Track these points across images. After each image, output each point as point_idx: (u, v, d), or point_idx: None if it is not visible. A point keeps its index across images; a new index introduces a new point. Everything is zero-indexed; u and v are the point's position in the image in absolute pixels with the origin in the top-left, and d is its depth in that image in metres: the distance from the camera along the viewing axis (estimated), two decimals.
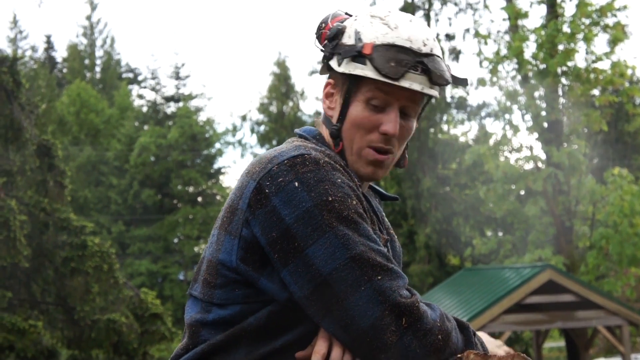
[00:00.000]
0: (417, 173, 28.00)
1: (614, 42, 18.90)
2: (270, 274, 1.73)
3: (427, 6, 29.18)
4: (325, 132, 1.91)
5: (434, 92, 1.85)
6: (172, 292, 35.96)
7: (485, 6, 26.02)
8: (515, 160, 21.15)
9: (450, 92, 29.90)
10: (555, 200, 19.12)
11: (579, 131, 19.73)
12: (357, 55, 1.81)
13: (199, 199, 39.84)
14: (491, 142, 20.82)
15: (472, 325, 1.86)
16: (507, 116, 20.15)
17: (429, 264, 28.28)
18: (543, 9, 20.48)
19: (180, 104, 42.43)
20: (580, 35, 18.75)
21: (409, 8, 28.91)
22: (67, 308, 14.73)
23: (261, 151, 37.30)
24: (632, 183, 18.74)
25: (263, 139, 38.99)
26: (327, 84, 1.91)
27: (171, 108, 43.07)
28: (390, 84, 1.80)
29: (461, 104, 29.44)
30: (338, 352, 1.70)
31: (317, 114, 35.36)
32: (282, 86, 40.46)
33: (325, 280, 1.66)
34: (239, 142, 41.33)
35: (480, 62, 20.96)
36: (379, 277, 1.67)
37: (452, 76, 1.93)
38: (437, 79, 1.83)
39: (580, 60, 19.63)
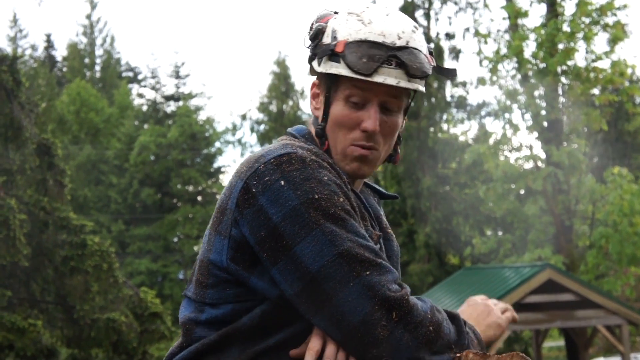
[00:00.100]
0: (417, 172, 28.01)
1: (614, 41, 18.89)
2: (260, 272, 1.74)
3: (427, 5, 29.19)
4: (314, 132, 1.92)
5: (413, 85, 1.82)
6: (171, 291, 35.97)
7: (485, 5, 25.95)
8: (515, 159, 21.14)
9: (450, 91, 29.94)
10: (555, 200, 19.12)
11: (578, 130, 19.73)
12: (332, 53, 1.81)
13: (199, 198, 39.86)
14: (491, 141, 20.80)
15: None
16: (507, 115, 20.13)
17: (428, 263, 28.29)
18: (543, 8, 20.48)
19: (180, 103, 42.44)
20: (580, 35, 18.74)
21: (409, 7, 28.92)
22: (66, 307, 14.73)
23: None
24: (632, 182, 18.73)
25: (263, 138, 39.01)
26: (312, 85, 1.92)
27: (171, 107, 43.09)
28: (365, 80, 1.79)
29: (461, 103, 29.44)
30: (332, 349, 1.70)
31: None
32: (282, 85, 40.48)
33: (314, 277, 1.67)
34: (239, 141, 41.36)
35: (480, 61, 20.94)
36: (368, 273, 1.67)
37: (439, 67, 1.92)
38: (414, 72, 1.81)
39: (580, 59, 19.66)
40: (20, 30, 46.35)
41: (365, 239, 1.72)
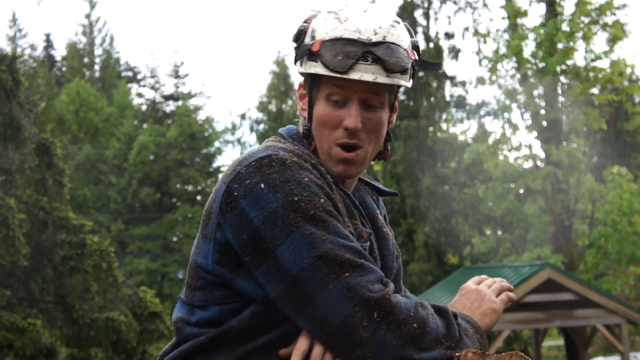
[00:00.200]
0: (416, 172, 27.99)
1: (613, 40, 18.89)
2: (246, 274, 1.74)
3: (426, 5, 29.18)
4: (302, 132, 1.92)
5: (393, 81, 1.80)
6: (171, 290, 35.96)
7: (485, 5, 25.97)
8: (514, 158, 21.15)
9: (450, 90, 29.93)
10: (555, 199, 19.12)
11: (578, 130, 19.73)
12: (310, 53, 1.82)
13: (198, 197, 39.85)
14: (490, 140, 20.80)
15: None
16: (506, 115, 20.13)
17: (428, 262, 28.28)
18: (542, 8, 20.47)
19: (180, 103, 42.43)
20: (579, 34, 18.74)
21: (409, 7, 28.92)
22: (66, 306, 14.73)
23: None
24: (631, 182, 18.73)
25: (262, 138, 38.98)
26: (299, 86, 1.92)
27: (170, 107, 43.08)
28: (343, 78, 1.78)
29: (460, 102, 29.44)
30: (319, 349, 1.70)
31: None
32: (282, 85, 40.48)
33: (294, 280, 1.68)
34: (238, 140, 41.36)
35: (480, 61, 20.94)
36: (347, 274, 1.67)
37: (422, 61, 1.89)
38: (391, 67, 1.79)
39: (579, 58, 19.64)
40: (20, 30, 46.33)
41: (348, 239, 1.72)
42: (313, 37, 1.83)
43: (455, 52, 29.12)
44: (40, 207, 14.67)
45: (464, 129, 32.42)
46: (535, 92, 19.40)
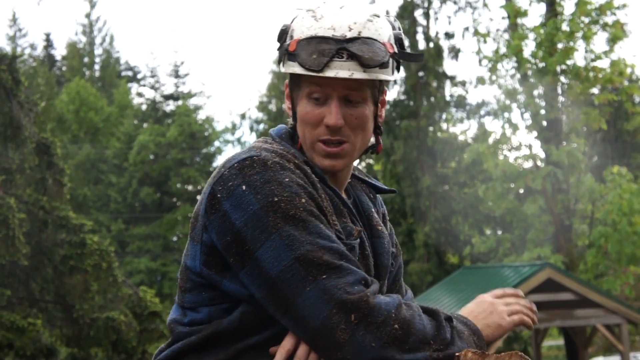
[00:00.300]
0: (416, 172, 28.00)
1: (613, 40, 18.89)
2: (232, 276, 1.75)
3: (426, 5, 29.18)
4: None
5: (370, 76, 1.79)
6: (171, 290, 35.97)
7: (485, 5, 26.04)
8: (514, 158, 21.16)
9: (450, 90, 29.94)
10: (555, 199, 19.12)
11: (578, 130, 19.73)
12: (288, 53, 1.82)
13: (198, 197, 39.44)
14: (490, 140, 20.80)
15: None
16: (506, 114, 20.14)
17: (428, 262, 28.28)
18: (542, 8, 20.48)
19: (180, 102, 42.43)
20: (579, 34, 18.75)
21: (409, 7, 28.93)
22: (66, 306, 14.73)
23: None
24: (631, 181, 18.74)
25: None
26: (285, 86, 1.93)
27: (170, 106, 43.08)
28: (320, 76, 1.78)
29: (460, 102, 29.45)
30: (304, 349, 1.71)
31: None
32: (282, 84, 40.38)
33: (274, 282, 1.68)
34: (238, 140, 41.36)
35: (480, 61, 20.95)
36: (324, 277, 1.67)
37: (403, 53, 1.87)
38: (367, 62, 1.78)
39: (579, 58, 19.65)
40: (20, 30, 46.35)
41: (329, 239, 1.71)
42: (291, 37, 1.83)
43: (455, 52, 29.13)
44: (40, 206, 14.67)
45: (464, 129, 32.47)
46: (535, 92, 19.41)
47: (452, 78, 29.53)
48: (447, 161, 27.87)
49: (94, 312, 14.51)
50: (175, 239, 39.15)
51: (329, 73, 1.77)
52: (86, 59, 47.88)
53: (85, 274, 14.51)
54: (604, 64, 19.19)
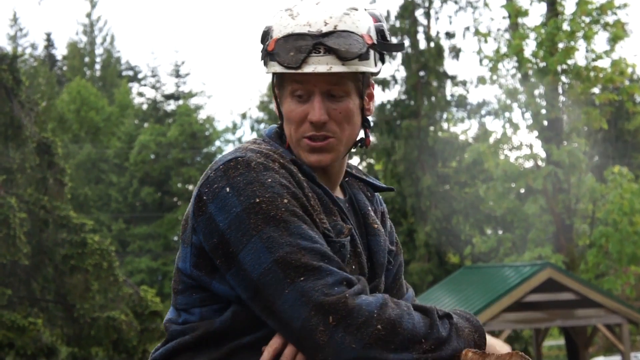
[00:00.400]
0: (417, 171, 28.00)
1: (614, 40, 18.88)
2: (221, 277, 1.76)
3: (427, 4, 29.19)
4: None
5: (349, 68, 1.78)
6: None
7: (485, 4, 26.08)
8: (515, 158, 21.15)
9: (451, 90, 29.94)
10: (555, 199, 19.11)
11: (579, 129, 19.72)
12: (268, 53, 1.83)
13: None
14: (491, 140, 20.79)
15: None
16: (507, 114, 20.13)
17: (428, 262, 28.28)
18: (543, 7, 20.47)
19: (180, 102, 42.43)
20: (580, 34, 18.74)
21: (409, 6, 28.93)
22: (66, 306, 14.74)
23: None
24: (632, 181, 18.73)
25: None
26: (273, 86, 1.93)
27: (171, 106, 43.08)
28: (299, 73, 1.79)
29: (461, 102, 29.45)
30: (291, 348, 1.71)
31: None
32: None
33: (256, 285, 1.68)
34: (239, 140, 41.34)
35: (480, 60, 20.94)
36: (302, 279, 1.66)
37: (383, 43, 1.85)
38: (345, 55, 1.77)
39: (580, 58, 19.63)
40: (21, 29, 46.37)
41: (311, 240, 1.70)
42: (271, 37, 1.84)
43: (456, 52, 29.14)
44: (41, 206, 14.68)
45: (464, 129, 32.49)
46: (536, 92, 19.40)
47: (452, 78, 29.53)
48: (447, 161, 27.88)
49: (95, 312, 14.52)
50: (175, 238, 39.14)
51: (307, 69, 1.77)
52: (87, 59, 47.89)
53: (86, 274, 14.52)
54: (604, 63, 19.21)
